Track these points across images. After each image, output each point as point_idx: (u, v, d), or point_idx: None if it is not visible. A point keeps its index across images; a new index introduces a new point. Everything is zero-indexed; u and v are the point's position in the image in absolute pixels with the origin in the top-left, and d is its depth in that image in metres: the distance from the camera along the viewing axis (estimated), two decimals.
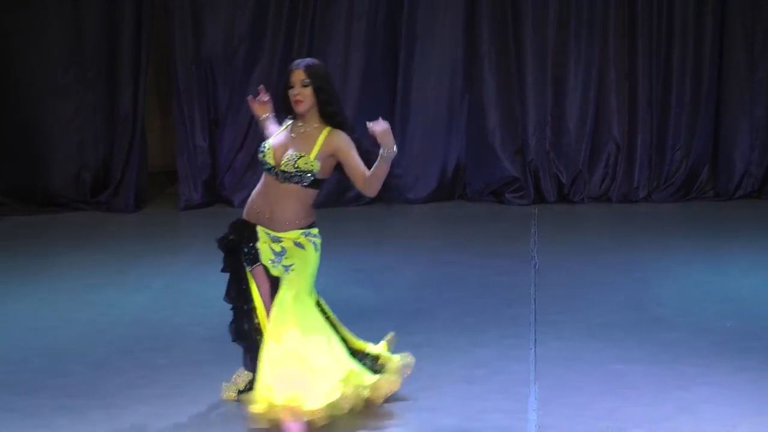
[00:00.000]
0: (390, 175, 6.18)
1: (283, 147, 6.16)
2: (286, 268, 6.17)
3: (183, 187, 11.62)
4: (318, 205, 11.55)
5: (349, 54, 11.63)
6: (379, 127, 5.96)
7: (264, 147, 6.22)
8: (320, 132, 6.17)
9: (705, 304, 8.25)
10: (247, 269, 6.27)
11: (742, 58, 11.51)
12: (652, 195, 11.60)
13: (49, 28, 11.54)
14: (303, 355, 5.95)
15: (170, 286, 8.98)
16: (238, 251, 6.28)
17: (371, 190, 6.14)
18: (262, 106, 6.60)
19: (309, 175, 6.12)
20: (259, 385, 5.92)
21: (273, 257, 6.20)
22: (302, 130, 6.19)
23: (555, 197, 11.64)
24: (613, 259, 9.50)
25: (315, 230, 6.28)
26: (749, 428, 6.10)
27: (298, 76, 6.17)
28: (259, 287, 6.26)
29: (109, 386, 6.87)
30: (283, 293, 6.11)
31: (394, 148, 5.99)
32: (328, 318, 6.36)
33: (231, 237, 6.29)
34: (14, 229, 10.98)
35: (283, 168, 6.11)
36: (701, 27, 11.49)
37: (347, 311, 8.21)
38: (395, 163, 11.66)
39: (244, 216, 6.29)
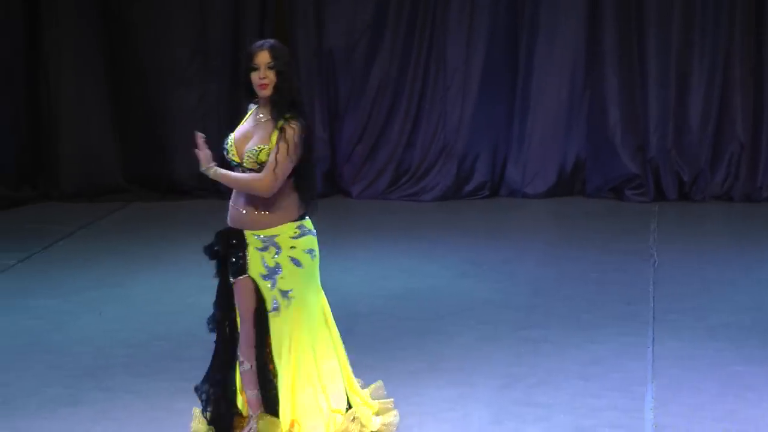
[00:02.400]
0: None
1: (245, 140, 5.63)
2: (285, 294, 5.65)
3: None
4: (434, 197, 11.74)
5: (470, 48, 11.61)
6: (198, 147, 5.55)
7: (227, 144, 5.67)
8: (276, 121, 5.57)
9: None
10: (232, 280, 5.69)
11: None
12: None
13: (174, 19, 11.76)
14: (318, 382, 5.75)
15: None
16: (225, 261, 5.72)
17: (258, 191, 5.56)
18: (203, 155, 5.62)
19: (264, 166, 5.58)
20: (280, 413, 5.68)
21: (265, 272, 5.63)
22: (263, 119, 5.63)
23: (676, 195, 11.49)
24: (734, 259, 9.37)
25: (309, 223, 5.75)
26: None
27: (263, 58, 5.55)
28: (239, 302, 5.71)
29: None
30: (297, 332, 5.69)
31: (205, 168, 5.54)
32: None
33: (216, 248, 5.72)
34: (139, 216, 11.22)
35: (246, 165, 5.59)
36: None
37: (462, 303, 8.28)
38: (515, 157, 11.76)
39: (229, 223, 5.70)
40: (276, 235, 5.64)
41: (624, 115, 11.55)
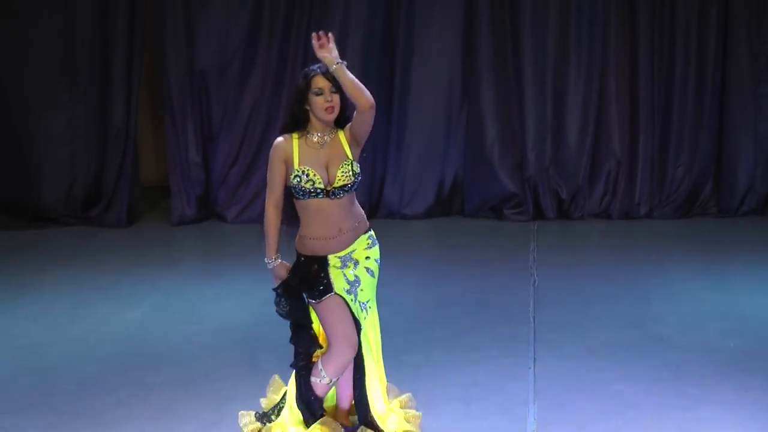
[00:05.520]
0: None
1: (323, 165, 5.78)
2: (363, 305, 5.92)
3: (176, 202, 11.52)
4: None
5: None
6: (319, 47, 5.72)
7: (308, 175, 5.75)
8: (338, 134, 5.86)
9: (707, 323, 8.16)
10: (316, 302, 5.87)
11: (746, 71, 11.36)
12: (654, 212, 11.46)
13: (40, 39, 11.39)
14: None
15: (162, 302, 8.91)
16: (303, 291, 5.92)
17: (365, 100, 5.82)
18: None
19: (359, 175, 5.83)
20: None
21: (347, 286, 5.86)
22: (328, 140, 5.82)
23: (554, 214, 11.52)
24: (614, 277, 9.42)
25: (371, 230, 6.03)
26: None
27: (325, 82, 5.79)
28: (333, 317, 5.86)
29: (100, 405, 6.84)
30: (371, 337, 6.05)
31: (336, 63, 5.71)
32: None
33: (292, 283, 5.90)
34: (4, 244, 10.86)
35: (339, 184, 5.75)
36: (704, 39, 11.33)
37: None
38: (392, 178, 11.62)
39: (308, 253, 5.87)
40: (353, 253, 5.90)
41: (501, 133, 11.55)
